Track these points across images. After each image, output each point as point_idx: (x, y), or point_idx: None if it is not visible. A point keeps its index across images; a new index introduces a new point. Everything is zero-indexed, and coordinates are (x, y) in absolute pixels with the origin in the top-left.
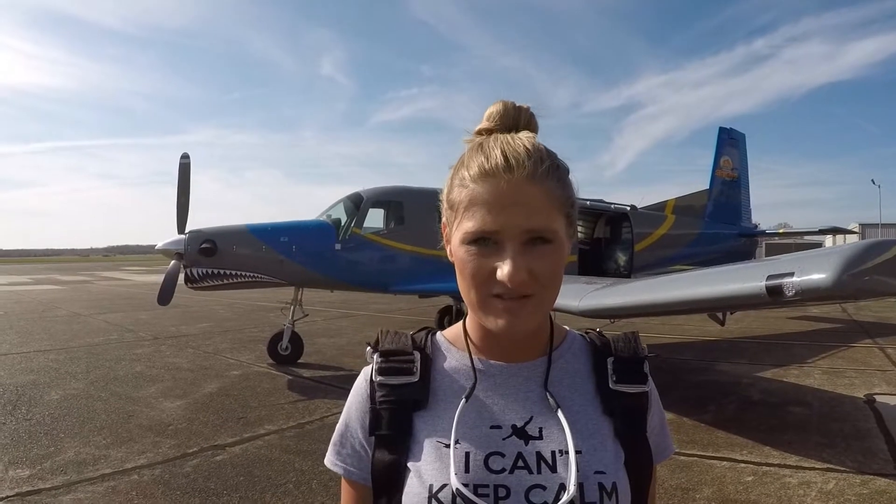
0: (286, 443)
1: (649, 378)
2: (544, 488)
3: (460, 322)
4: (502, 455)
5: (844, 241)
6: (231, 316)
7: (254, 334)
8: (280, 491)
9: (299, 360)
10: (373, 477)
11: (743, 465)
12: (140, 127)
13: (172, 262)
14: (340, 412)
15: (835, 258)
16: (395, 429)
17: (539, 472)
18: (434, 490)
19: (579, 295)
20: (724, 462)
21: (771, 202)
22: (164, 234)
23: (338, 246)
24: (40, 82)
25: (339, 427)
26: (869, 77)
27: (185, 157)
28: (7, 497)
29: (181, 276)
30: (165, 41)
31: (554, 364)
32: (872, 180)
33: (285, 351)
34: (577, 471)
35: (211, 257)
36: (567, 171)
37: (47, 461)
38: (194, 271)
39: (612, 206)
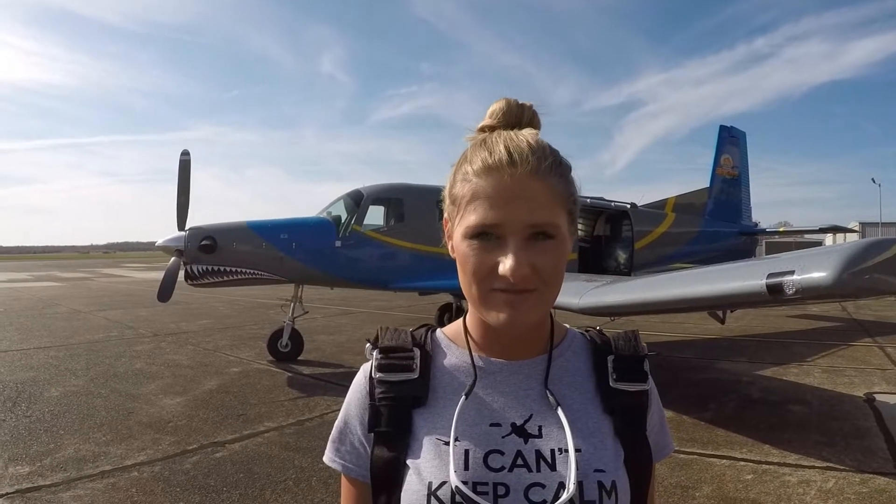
0: (286, 440)
1: (649, 376)
2: (543, 486)
3: (460, 319)
4: (502, 453)
5: (845, 240)
6: (231, 313)
7: (254, 331)
8: (280, 488)
9: (299, 358)
10: (372, 474)
11: (742, 463)
12: (140, 124)
13: (172, 258)
14: (340, 409)
15: (835, 257)
16: (394, 426)
17: (538, 470)
18: (433, 488)
19: (579, 293)
20: (724, 460)
21: (771, 200)
22: (164, 230)
23: (338, 243)
24: (41, 79)
25: (337, 423)
26: (869, 76)
27: (186, 154)
28: (7, 494)
29: (181, 273)
30: (165, 38)
31: (554, 362)
32: (873, 179)
33: (285, 348)
34: (577, 469)
35: (211, 254)
36: (569, 168)
37: (47, 458)
38: (194, 268)
39: (613, 204)
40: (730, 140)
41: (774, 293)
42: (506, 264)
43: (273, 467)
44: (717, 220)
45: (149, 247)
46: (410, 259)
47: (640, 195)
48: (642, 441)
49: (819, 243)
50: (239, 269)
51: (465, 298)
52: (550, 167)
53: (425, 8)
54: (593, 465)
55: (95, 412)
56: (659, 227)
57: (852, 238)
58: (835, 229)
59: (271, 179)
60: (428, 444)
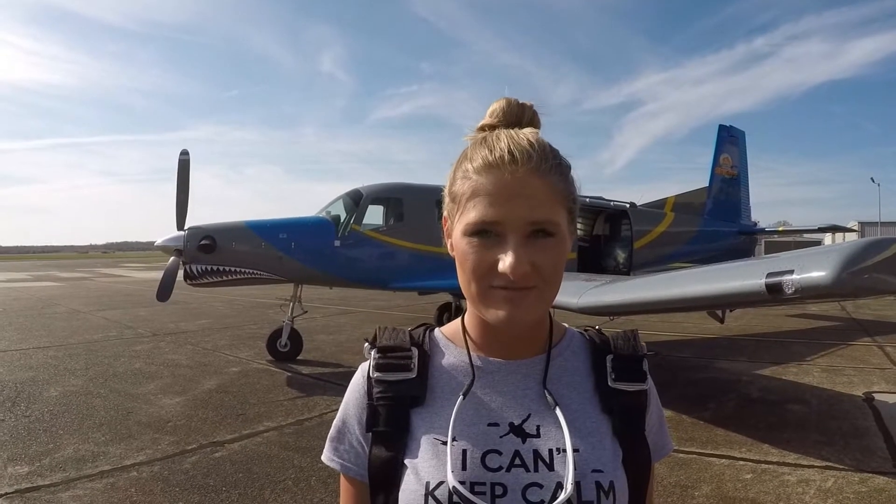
0: (285, 439)
1: (648, 376)
2: (541, 486)
3: (459, 319)
4: (499, 453)
5: (844, 239)
6: (230, 313)
7: (253, 331)
8: (279, 487)
9: (298, 357)
10: (370, 473)
11: (742, 462)
12: (140, 123)
13: (171, 258)
14: (339, 408)
15: (834, 256)
16: (392, 425)
17: (536, 470)
18: (431, 487)
19: (578, 292)
20: (723, 460)
21: (770, 200)
22: (163, 230)
23: (337, 243)
24: (40, 79)
25: (336, 423)
26: (869, 76)
27: (185, 153)
28: (6, 494)
29: (180, 273)
30: (165, 37)
31: (553, 362)
32: (872, 178)
33: (284, 348)
34: (575, 469)
35: (210, 254)
36: (569, 167)
37: (46, 458)
38: (193, 268)
39: (612, 203)
40: (729, 139)
41: (774, 293)
42: (506, 261)
43: (272, 467)
44: (716, 220)
45: (148, 247)
46: (410, 259)
47: (639, 194)
48: (641, 441)
49: (818, 243)
50: (238, 269)
51: (464, 298)
52: (551, 166)
53: (425, 7)
54: (591, 466)
55: (94, 412)
56: (658, 227)
57: (851, 237)
58: (834, 229)
59: (271, 178)
60: (426, 444)
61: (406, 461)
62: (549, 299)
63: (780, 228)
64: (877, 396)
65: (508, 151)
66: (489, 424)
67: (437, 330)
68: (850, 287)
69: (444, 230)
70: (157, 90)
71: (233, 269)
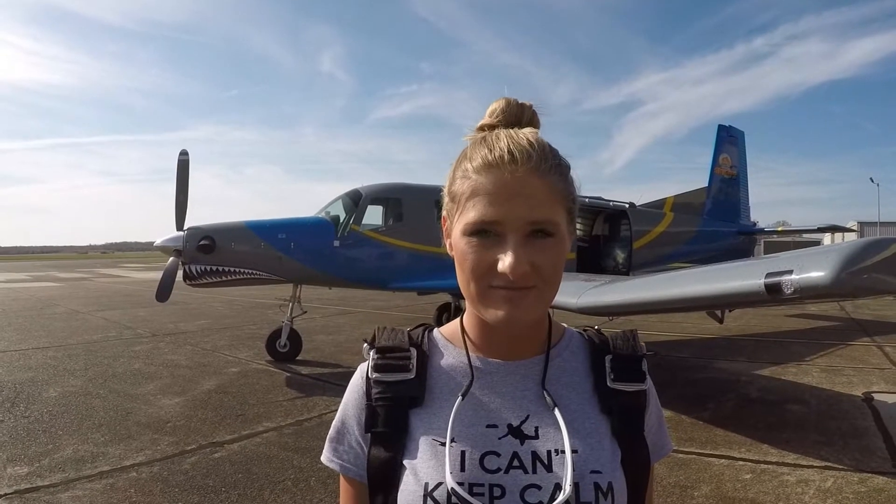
0: (285, 440)
1: (647, 376)
2: (539, 488)
3: (458, 319)
4: (498, 454)
5: (843, 240)
6: (229, 313)
7: (252, 331)
8: (278, 488)
9: (298, 358)
10: (368, 474)
11: (741, 462)
12: (140, 124)
13: (171, 258)
14: (338, 409)
15: (833, 256)
16: (390, 426)
17: (534, 471)
18: (429, 488)
19: (578, 292)
20: (723, 460)
21: (770, 200)
22: (163, 230)
23: (336, 243)
24: (40, 79)
25: (335, 424)
26: (868, 76)
27: (184, 153)
28: (6, 494)
29: (180, 273)
30: (165, 37)
31: (551, 362)
32: (871, 178)
33: (284, 348)
34: (573, 470)
35: (209, 254)
36: (569, 167)
37: (45, 458)
38: (193, 268)
39: (611, 203)
40: (728, 140)
41: (773, 293)
42: (505, 261)
43: (272, 467)
44: (715, 220)
45: (147, 247)
46: (409, 259)
47: (638, 194)
48: (640, 441)
49: (817, 243)
50: (237, 269)
51: (463, 298)
52: (550, 166)
53: (425, 7)
54: (590, 467)
55: (94, 412)
56: (657, 227)
57: (851, 237)
58: (833, 229)
59: (271, 178)
60: (424, 445)
61: (405, 462)
62: (549, 299)
63: (780, 228)
64: (876, 396)
65: (508, 151)
66: (488, 426)
67: (435, 330)
68: (849, 287)
69: (444, 230)
70: (157, 90)
71: (232, 269)
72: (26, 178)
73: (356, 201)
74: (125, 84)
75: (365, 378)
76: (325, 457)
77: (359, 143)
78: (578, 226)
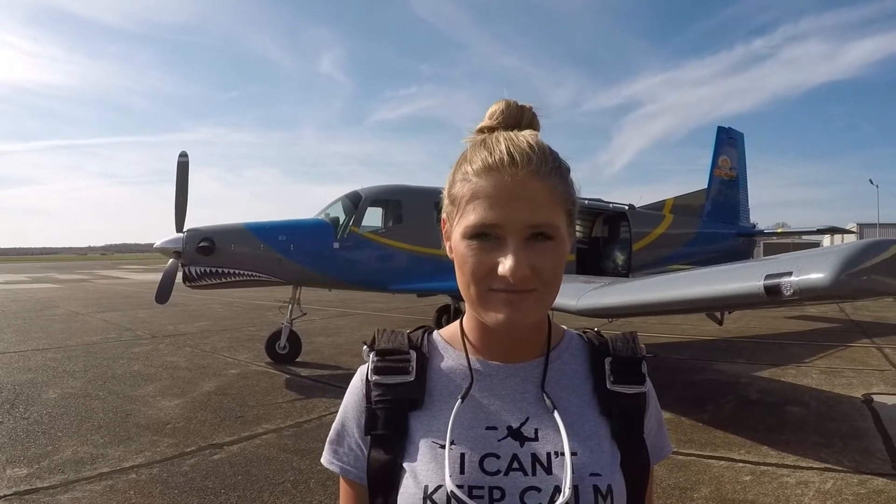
0: (284, 442)
1: (647, 378)
2: (539, 490)
3: (457, 321)
4: (497, 456)
5: (842, 241)
6: (229, 315)
7: (252, 333)
8: (278, 490)
9: (297, 359)
10: (368, 477)
11: (741, 464)
12: (139, 125)
13: (170, 260)
14: (338, 411)
15: (832, 258)
16: (390, 429)
17: (534, 473)
18: (429, 491)
19: (577, 294)
20: (722, 461)
21: (769, 202)
22: (162, 232)
23: (336, 245)
24: (40, 79)
25: (335, 426)
26: (868, 77)
27: (184, 155)
28: (5, 496)
29: (179, 275)
30: (165, 38)
31: (551, 364)
32: (870, 180)
33: (283, 350)
34: (573, 473)
35: (209, 256)
36: (569, 170)
37: (45, 460)
38: (192, 270)
39: (611, 205)
40: (728, 141)
41: (772, 294)
42: (505, 265)
43: (271, 469)
44: (715, 222)
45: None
46: (408, 260)
47: (638, 196)
48: (639, 443)
49: (817, 244)
50: (237, 271)
51: (463, 300)
52: (550, 168)
53: (424, 7)
54: (589, 469)
55: (93, 414)
56: (657, 229)
57: (850, 239)
58: (833, 230)
59: (270, 180)
60: (424, 448)
61: (405, 464)
62: (549, 302)
63: (779, 230)
64: (875, 398)
65: (508, 154)
66: (487, 428)
67: (435, 332)
68: (848, 289)
69: (443, 232)
70: (156, 91)
71: (232, 271)
72: (26, 180)
73: (356, 203)
74: (124, 85)
75: (365, 380)
76: (325, 459)
77: (358, 145)
78: (578, 227)
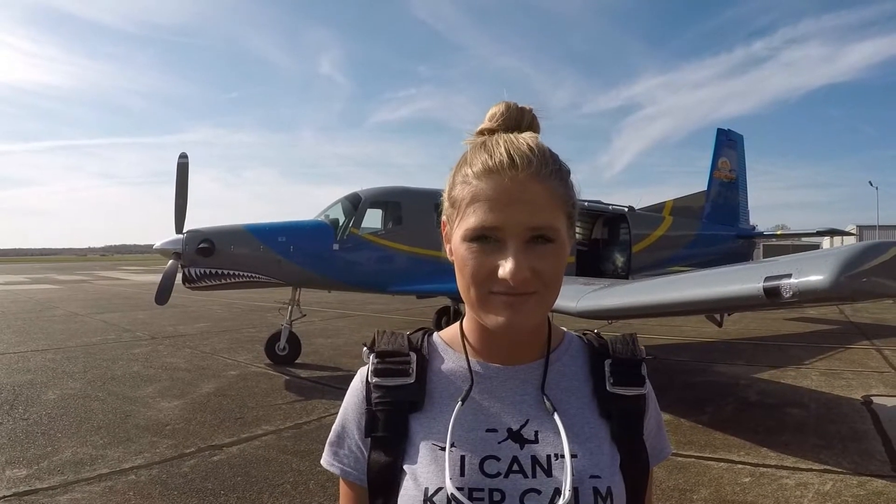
0: (284, 443)
1: (647, 380)
2: (539, 492)
3: (457, 323)
4: (497, 459)
5: (842, 243)
6: (229, 316)
7: (251, 334)
8: (278, 491)
9: (297, 361)
10: (368, 478)
11: (740, 466)
12: (139, 126)
13: (170, 261)
14: (338, 412)
15: (832, 260)
16: (390, 431)
17: (534, 476)
18: (429, 493)
19: (577, 296)
20: (722, 463)
21: (769, 204)
22: (162, 233)
23: (336, 246)
24: (39, 80)
25: (335, 428)
26: (867, 79)
27: (184, 156)
28: (4, 497)
29: (179, 276)
30: (164, 39)
31: (551, 367)
32: (870, 182)
33: (283, 351)
34: (573, 475)
35: (208, 257)
36: (568, 172)
37: (44, 461)
38: (192, 271)
39: (611, 207)
40: (727, 143)
41: (772, 296)
42: (506, 268)
43: (271, 471)
44: (714, 224)
45: (146, 249)
46: (408, 262)
47: (637, 198)
48: (639, 445)
49: (816, 246)
50: (236, 272)
51: (462, 302)
52: (551, 171)
53: (423, 9)
54: (589, 471)
55: (93, 415)
56: (656, 231)
57: (850, 241)
58: (832, 232)
59: (269, 181)
60: (424, 450)
61: (405, 467)
62: (549, 304)
63: (779, 232)
64: (875, 400)
65: (508, 156)
66: (487, 430)
67: (435, 334)
68: (848, 291)
69: (443, 235)
70: (156, 92)
71: (231, 272)
72: (25, 181)
73: (355, 205)
74: (124, 86)
75: (365, 382)
76: (325, 460)
77: (357, 146)
78: (578, 229)
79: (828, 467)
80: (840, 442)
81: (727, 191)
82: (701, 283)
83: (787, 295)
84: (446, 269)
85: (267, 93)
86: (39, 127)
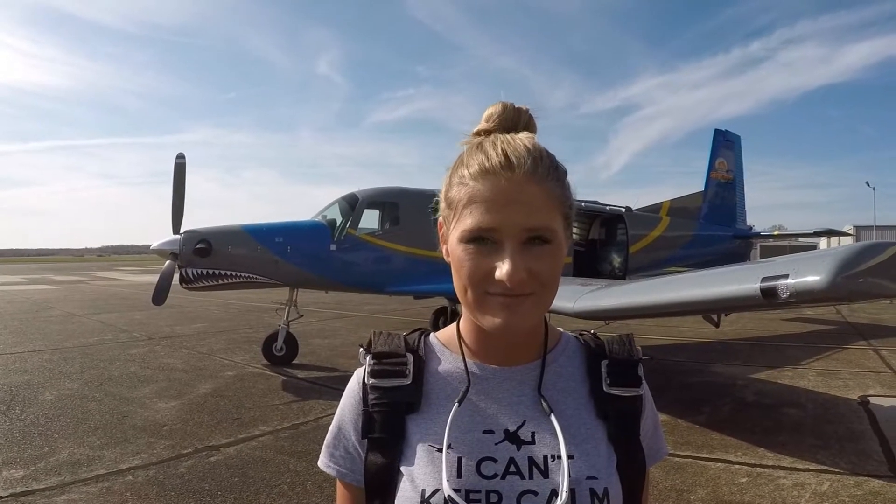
0: (281, 444)
1: (643, 381)
2: (536, 494)
3: (454, 324)
4: (494, 460)
5: (839, 244)
6: (226, 316)
7: (248, 335)
8: (275, 492)
9: (294, 361)
10: (365, 480)
11: (737, 466)
12: (138, 126)
13: (167, 262)
14: (335, 413)
15: (829, 260)
16: (387, 432)
17: (531, 477)
18: (426, 495)
19: (574, 296)
20: (719, 463)
21: (766, 204)
22: (160, 234)
23: (333, 247)
24: (39, 81)
25: (332, 429)
26: (865, 80)
27: (181, 157)
28: (1, 498)
29: (176, 277)
30: (163, 39)
31: (548, 367)
32: (867, 182)
33: (280, 352)
34: (569, 476)
35: (206, 257)
36: (565, 172)
37: (41, 462)
38: (189, 271)
39: (608, 207)
40: (725, 144)
41: (769, 297)
42: (503, 269)
43: (268, 471)
44: (711, 224)
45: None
46: (405, 263)
47: (634, 199)
48: (636, 446)
49: (814, 247)
50: (234, 273)
51: (459, 302)
52: (547, 171)
53: (422, 9)
54: (586, 472)
55: (90, 416)
56: (654, 231)
57: (847, 242)
58: (829, 233)
59: (268, 181)
60: (421, 451)
61: (402, 468)
62: (546, 305)
63: (776, 232)
64: (872, 400)
65: (505, 157)
66: (484, 431)
67: (432, 335)
68: (844, 291)
69: (440, 235)
70: (155, 93)
71: (228, 272)
72: (25, 181)
73: (353, 205)
74: (123, 86)
75: (361, 383)
76: (322, 462)
77: (355, 146)
78: (575, 230)
79: (825, 467)
80: (837, 442)
81: (724, 191)
82: (698, 284)
83: (784, 295)
84: (443, 270)
85: (265, 93)
86: (39, 127)
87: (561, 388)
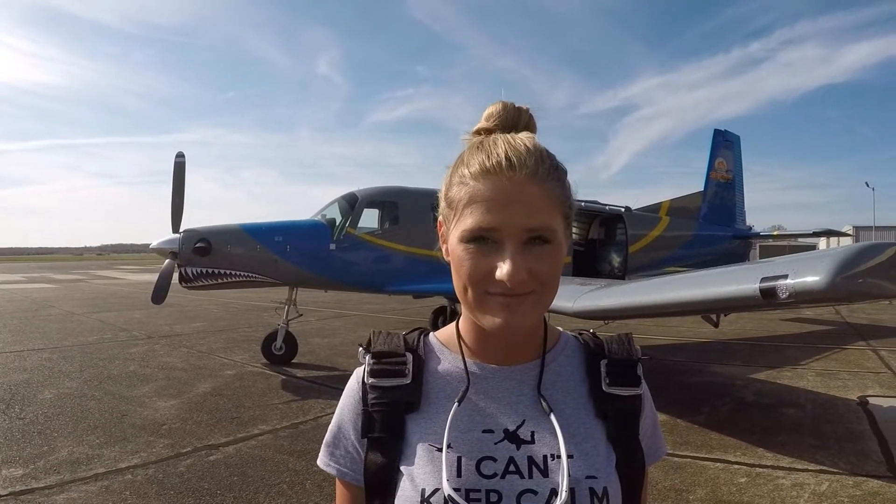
0: (280, 443)
1: (642, 381)
2: (536, 493)
3: (453, 323)
4: (494, 460)
5: (839, 244)
6: (225, 315)
7: (248, 334)
8: (274, 491)
9: (293, 360)
10: (365, 479)
11: (736, 466)
12: (137, 125)
13: (167, 261)
14: (334, 412)
15: (828, 261)
16: (387, 431)
17: (531, 476)
18: (426, 494)
19: (574, 296)
20: (718, 463)
21: (765, 204)
22: (159, 233)
23: (332, 246)
24: (38, 80)
25: (331, 428)
26: (864, 80)
27: (181, 156)
28: (1, 496)
29: (175, 276)
30: (163, 39)
31: (547, 367)
32: (867, 183)
33: (279, 351)
34: (569, 475)
35: (205, 256)
36: (565, 172)
37: (41, 460)
38: (189, 270)
39: (607, 207)
40: (724, 144)
41: (768, 297)
42: (503, 269)
43: (267, 470)
44: (711, 224)
45: (143, 249)
46: (405, 262)
47: (634, 199)
48: (635, 445)
49: (813, 247)
50: (233, 272)
51: (459, 302)
52: (548, 171)
53: (421, 9)
54: (585, 472)
55: (89, 414)
56: (653, 231)
57: (846, 242)
58: (829, 233)
59: (267, 181)
60: (421, 451)
61: (402, 468)
62: (546, 305)
63: (775, 233)
64: (871, 400)
65: (506, 157)
66: (484, 431)
67: (431, 335)
68: (844, 291)
69: (440, 235)
70: (154, 92)
71: (228, 271)
72: (25, 180)
73: (352, 204)
74: (122, 86)
75: (361, 383)
76: (322, 461)
77: (355, 146)
78: (574, 230)
79: (824, 468)
80: (836, 442)
81: (724, 191)
82: (697, 284)
83: (784, 296)
84: (443, 269)
85: (265, 93)
86: (38, 126)
87: (560, 388)
